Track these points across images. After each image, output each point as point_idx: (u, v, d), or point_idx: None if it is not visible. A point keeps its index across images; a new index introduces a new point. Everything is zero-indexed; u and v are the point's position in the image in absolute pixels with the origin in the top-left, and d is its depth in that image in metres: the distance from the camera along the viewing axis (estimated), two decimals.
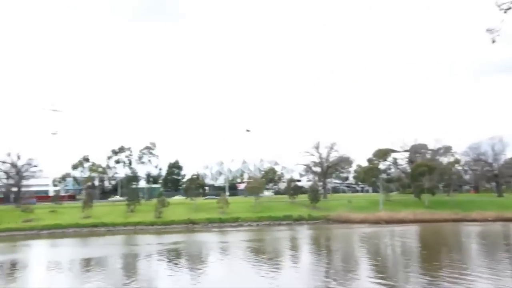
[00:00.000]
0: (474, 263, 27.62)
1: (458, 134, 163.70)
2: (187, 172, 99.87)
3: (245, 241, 41.83)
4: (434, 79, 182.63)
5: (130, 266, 30.15)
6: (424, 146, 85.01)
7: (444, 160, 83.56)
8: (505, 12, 9.23)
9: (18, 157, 78.56)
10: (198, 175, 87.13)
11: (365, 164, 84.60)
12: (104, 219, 60.46)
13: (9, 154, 78.23)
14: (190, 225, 59.17)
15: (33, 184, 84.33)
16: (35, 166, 79.98)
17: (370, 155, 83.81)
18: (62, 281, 25.18)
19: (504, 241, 42.25)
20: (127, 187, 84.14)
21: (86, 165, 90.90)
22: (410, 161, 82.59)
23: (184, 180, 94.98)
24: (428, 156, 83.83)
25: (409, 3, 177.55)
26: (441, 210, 61.97)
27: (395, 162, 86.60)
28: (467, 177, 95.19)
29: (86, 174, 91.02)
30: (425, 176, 70.15)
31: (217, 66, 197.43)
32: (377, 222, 56.66)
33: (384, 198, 69.74)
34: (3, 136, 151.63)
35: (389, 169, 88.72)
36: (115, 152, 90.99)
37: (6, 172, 78.13)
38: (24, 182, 79.75)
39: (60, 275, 27.31)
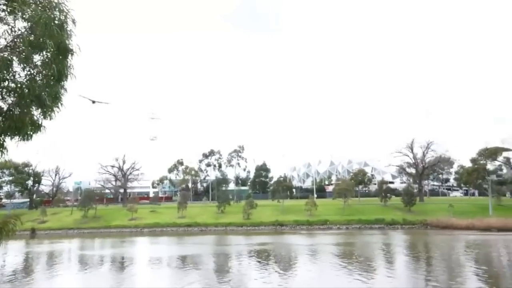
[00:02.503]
0: None
1: None
2: (275, 175, 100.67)
3: (335, 244, 40.32)
4: None
5: (222, 265, 30.99)
6: None
7: None
8: None
9: (124, 162, 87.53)
10: (285, 177, 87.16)
11: (469, 164, 76.18)
12: (197, 219, 63.83)
13: (116, 159, 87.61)
14: (278, 226, 59.23)
15: (136, 186, 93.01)
16: (138, 169, 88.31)
17: (474, 155, 75.17)
18: (164, 276, 26.91)
19: None
20: (217, 189, 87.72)
21: (180, 168, 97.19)
22: None
23: (272, 182, 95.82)
24: None
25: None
26: None
27: (508, 162, 76.33)
28: None
29: (181, 177, 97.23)
30: None
31: (303, 68, 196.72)
32: (486, 229, 50.27)
33: (494, 202, 61.82)
34: (111, 142, 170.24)
35: (500, 169, 78.50)
36: (205, 156, 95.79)
37: (114, 175, 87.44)
38: (129, 184, 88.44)
39: (161, 270, 29.26)
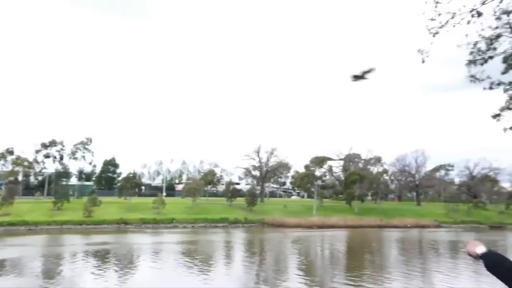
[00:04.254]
0: (391, 264, 30.13)
1: (388, 146, 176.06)
2: (124, 171, 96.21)
3: (179, 242, 41.30)
4: (372, 92, 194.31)
5: (50, 268, 28.35)
6: (357, 156, 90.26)
7: (374, 169, 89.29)
8: (433, 36, 9.93)
9: None
10: (134, 174, 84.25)
11: (302, 170, 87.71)
12: (25, 217, 56.03)
13: None
14: (123, 225, 57.01)
15: None
16: None
17: (307, 162, 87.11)
18: None
19: (418, 245, 46.18)
20: (56, 183, 78.83)
21: (9, 158, 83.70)
22: (344, 169, 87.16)
23: (120, 178, 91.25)
24: (360, 165, 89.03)
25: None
26: (368, 217, 66.15)
27: (330, 170, 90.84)
28: (392, 186, 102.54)
29: (9, 168, 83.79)
30: (356, 184, 74.37)
31: (161, 62, 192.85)
32: (310, 226, 58.94)
33: (318, 203, 72.68)
34: None
35: (325, 176, 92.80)
36: (45, 146, 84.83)
37: None
38: None
39: None
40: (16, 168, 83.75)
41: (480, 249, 2.45)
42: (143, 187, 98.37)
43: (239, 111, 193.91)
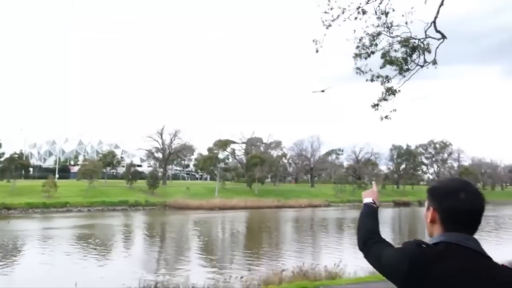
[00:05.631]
0: (285, 241, 33.03)
1: (287, 132, 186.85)
2: (8, 150, 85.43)
3: (72, 227, 38.90)
4: (275, 79, 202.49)
5: None
6: (259, 140, 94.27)
7: (274, 153, 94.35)
8: (327, 28, 10.51)
9: None
10: (21, 154, 75.68)
11: (206, 153, 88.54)
12: None
13: None
14: (4, 210, 51.26)
15: None
16: None
17: (211, 145, 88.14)
18: None
19: (310, 223, 50.99)
20: None
21: None
22: (246, 152, 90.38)
23: (2, 159, 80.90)
24: (261, 149, 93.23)
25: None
26: (267, 198, 70.14)
27: (233, 153, 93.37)
28: (290, 169, 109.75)
29: None
30: (257, 167, 77.93)
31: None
32: (211, 208, 60.28)
33: (220, 186, 74.46)
34: None
35: (228, 159, 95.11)
36: None
37: None
38: None
39: None
40: None
41: (366, 199, 2.21)
42: (31, 169, 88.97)
43: (142, 91, 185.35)
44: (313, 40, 11.00)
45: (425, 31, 10.26)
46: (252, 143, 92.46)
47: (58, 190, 58.41)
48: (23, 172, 77.35)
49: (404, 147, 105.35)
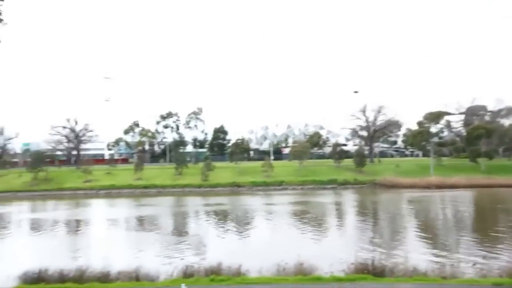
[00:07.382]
0: None
1: None
2: (232, 137, 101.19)
3: (289, 204, 42.08)
4: (495, 34, 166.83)
5: (181, 225, 31.69)
6: (483, 108, 79.24)
7: (506, 122, 77.58)
8: None
9: (76, 123, 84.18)
10: (242, 140, 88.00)
11: (415, 127, 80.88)
12: (154, 181, 63.67)
13: (68, 120, 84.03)
14: (235, 187, 60.61)
15: (90, 148, 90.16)
16: (91, 131, 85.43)
17: (421, 118, 79.84)
18: (121, 238, 27.15)
19: None
20: (175, 151, 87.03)
21: (137, 130, 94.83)
22: (466, 124, 77.67)
23: (229, 144, 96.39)
24: (487, 118, 78.30)
25: None
26: (499, 175, 58.42)
27: (448, 125, 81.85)
28: None
29: (137, 138, 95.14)
30: (482, 140, 65.84)
31: (262, 29, 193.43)
32: (426, 186, 54.63)
33: (435, 162, 66.75)
34: (62, 103, 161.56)
35: (442, 132, 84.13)
36: (163, 117, 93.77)
37: (66, 136, 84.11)
38: (82, 146, 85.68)
39: (119, 232, 29.44)
40: (143, 139, 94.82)
41: None
42: (251, 152, 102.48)
43: (342, 71, 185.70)
44: None
45: None
46: (473, 112, 78.63)
47: (274, 170, 65.06)
48: (245, 155, 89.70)
49: None
